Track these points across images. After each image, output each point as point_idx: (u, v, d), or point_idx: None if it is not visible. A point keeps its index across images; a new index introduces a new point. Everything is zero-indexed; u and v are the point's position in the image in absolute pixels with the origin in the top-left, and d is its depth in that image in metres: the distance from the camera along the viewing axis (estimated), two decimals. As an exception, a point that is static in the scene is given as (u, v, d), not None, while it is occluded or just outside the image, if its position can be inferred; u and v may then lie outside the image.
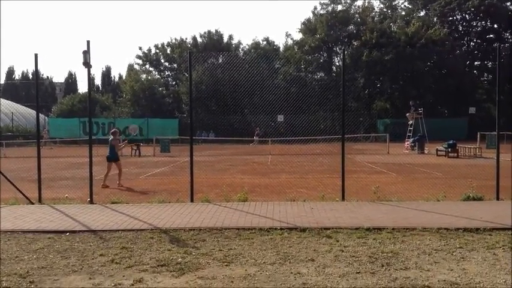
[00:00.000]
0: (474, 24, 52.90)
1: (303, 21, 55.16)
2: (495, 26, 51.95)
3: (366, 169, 17.18)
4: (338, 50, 50.84)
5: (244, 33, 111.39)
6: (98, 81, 76.02)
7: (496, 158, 9.94)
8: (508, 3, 51.32)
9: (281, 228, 7.24)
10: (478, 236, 6.70)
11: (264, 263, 5.58)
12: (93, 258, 5.86)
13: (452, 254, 5.84)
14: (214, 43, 54.18)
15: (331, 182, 12.64)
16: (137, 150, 26.73)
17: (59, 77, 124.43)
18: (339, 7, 52.28)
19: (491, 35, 52.23)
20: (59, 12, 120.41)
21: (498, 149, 10.01)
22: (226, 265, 5.51)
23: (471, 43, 53.83)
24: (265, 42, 54.68)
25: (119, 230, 7.31)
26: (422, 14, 54.16)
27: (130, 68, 59.44)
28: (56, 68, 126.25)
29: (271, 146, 28.54)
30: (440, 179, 14.16)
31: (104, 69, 76.83)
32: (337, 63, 52.12)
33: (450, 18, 52.56)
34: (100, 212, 8.84)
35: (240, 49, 55.63)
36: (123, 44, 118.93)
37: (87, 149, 10.06)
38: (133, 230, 7.29)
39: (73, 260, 5.81)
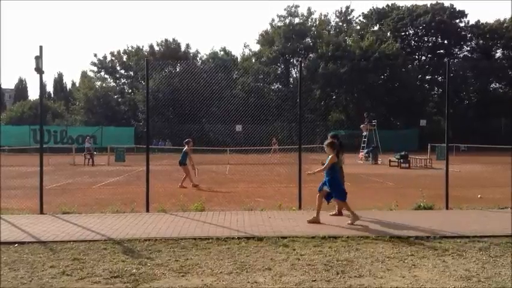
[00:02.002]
0: (425, 39, 55.16)
1: (260, 32, 55.79)
2: (445, 41, 54.33)
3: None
4: (295, 62, 51.59)
5: (201, 42, 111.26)
6: (49, 87, 73.56)
7: (445, 168, 10.32)
8: (457, 21, 53.86)
9: (238, 238, 7.21)
10: (429, 244, 6.92)
11: (220, 272, 5.54)
12: (43, 270, 5.63)
13: (404, 262, 6.00)
14: (171, 52, 53.74)
15: (288, 191, 12.77)
16: (90, 159, 26.02)
17: (9, 83, 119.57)
18: (296, 20, 53.20)
19: (441, 50, 54.57)
20: (9, 16, 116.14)
21: (447, 160, 10.40)
22: (183, 276, 5.44)
23: (422, 58, 56.07)
24: (222, 52, 54.78)
25: (70, 241, 7.06)
26: (376, 28, 55.92)
27: (84, 74, 58.02)
28: (5, 74, 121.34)
29: (229, 156, 28.49)
30: (392, 188, 14.57)
31: (56, 75, 74.51)
32: (294, 75, 52.88)
33: (403, 33, 54.59)
34: (50, 222, 8.52)
35: (197, 58, 55.50)
36: (76, 50, 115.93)
37: (38, 157, 9.70)
38: (86, 241, 7.07)
39: (22, 272, 5.56)
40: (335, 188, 8.57)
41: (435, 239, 7.17)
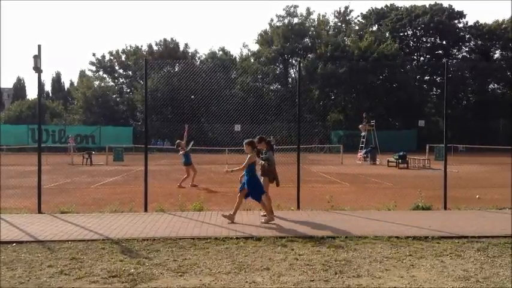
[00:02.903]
0: (424, 40, 55.20)
1: (259, 32, 55.82)
2: (444, 42, 54.38)
3: (320, 179, 17.46)
4: (294, 62, 51.60)
5: (200, 42, 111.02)
6: (48, 87, 73.35)
7: (443, 169, 10.34)
8: (456, 21, 53.92)
9: (237, 238, 7.21)
10: (427, 244, 6.92)
11: (219, 272, 5.54)
12: (41, 270, 5.62)
13: (402, 262, 6.01)
14: (170, 51, 53.69)
15: (287, 191, 12.74)
16: (89, 159, 25.97)
17: (7, 82, 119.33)
18: (295, 20, 53.22)
19: (440, 51, 54.61)
20: (8, 15, 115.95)
21: (445, 160, 10.42)
22: (181, 275, 5.43)
23: (421, 58, 56.11)
24: (221, 52, 54.76)
25: (68, 241, 7.05)
26: (374, 29, 55.95)
27: (83, 74, 57.90)
28: (4, 73, 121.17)
29: (228, 156, 28.47)
30: (391, 189, 14.58)
31: (54, 75, 74.31)
32: (293, 75, 52.92)
33: (401, 34, 54.61)
34: (49, 221, 8.50)
35: (196, 58, 55.45)
36: (73, 49, 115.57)
37: (36, 157, 9.68)
38: (84, 241, 7.06)
39: (20, 272, 5.55)
40: (253, 188, 8.52)
41: (433, 240, 7.18)
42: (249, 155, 8.62)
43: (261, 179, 8.97)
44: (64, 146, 36.81)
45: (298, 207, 9.86)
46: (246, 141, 8.82)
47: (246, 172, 8.65)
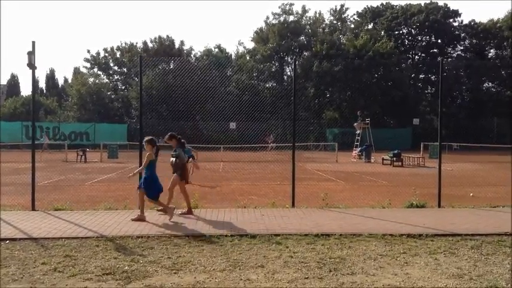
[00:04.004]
0: (419, 38, 55.31)
1: (255, 30, 55.72)
2: (439, 41, 54.49)
3: (315, 177, 17.48)
4: (289, 60, 51.56)
5: (195, 39, 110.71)
6: (42, 84, 72.96)
7: (438, 167, 10.37)
8: (451, 20, 54.07)
9: (231, 235, 7.21)
10: (421, 242, 6.95)
11: (213, 270, 5.54)
12: (34, 267, 5.60)
13: (396, 259, 6.03)
14: (165, 48, 53.47)
15: (282, 189, 12.77)
16: (83, 156, 25.86)
17: (1, 79, 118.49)
18: (291, 18, 53.18)
19: (435, 50, 54.73)
20: (2, 11, 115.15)
21: (440, 158, 10.45)
22: (175, 273, 5.42)
23: (416, 57, 56.22)
24: (217, 50, 54.65)
25: (62, 238, 7.03)
26: (370, 27, 56.00)
27: (77, 71, 57.62)
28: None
29: (223, 153, 28.45)
30: (385, 187, 14.62)
31: (48, 71, 73.88)
32: (289, 73, 52.87)
33: (396, 32, 54.68)
34: (42, 219, 8.47)
35: (191, 55, 55.29)
36: (67, 46, 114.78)
37: (30, 154, 9.63)
38: (78, 238, 7.03)
39: (13, 269, 5.53)
40: (148, 186, 8.47)
41: (427, 237, 7.21)
42: (148, 153, 8.56)
43: (173, 176, 9.06)
44: (58, 144, 36.62)
45: (293, 205, 9.86)
46: (146, 139, 8.76)
47: (145, 170, 8.59)
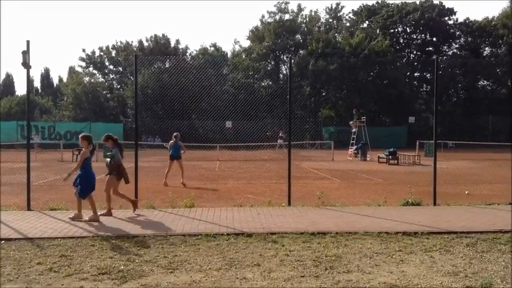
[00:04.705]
0: (414, 37, 55.38)
1: (251, 28, 55.67)
2: (434, 39, 54.56)
3: (311, 175, 17.50)
4: (285, 59, 51.57)
5: (191, 38, 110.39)
6: (37, 83, 72.73)
7: (433, 165, 10.41)
8: (446, 18, 54.20)
9: (228, 234, 7.21)
10: (416, 240, 6.97)
11: (209, 269, 5.54)
12: (30, 267, 5.58)
13: (392, 257, 6.05)
14: (160, 47, 53.38)
15: (278, 187, 12.78)
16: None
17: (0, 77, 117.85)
18: (286, 16, 53.16)
19: (430, 48, 54.81)
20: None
21: (435, 156, 10.49)
22: (171, 272, 5.42)
23: (411, 55, 56.30)
24: (212, 48, 54.59)
25: (57, 238, 7.01)
26: (365, 25, 56.06)
27: (72, 70, 57.41)
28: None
29: (219, 152, 28.44)
30: (381, 185, 14.66)
31: (43, 71, 73.63)
32: (284, 72, 52.85)
33: (392, 30, 54.74)
34: (38, 218, 8.44)
35: (187, 54, 55.21)
36: (63, 45, 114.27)
37: (25, 153, 9.60)
38: (73, 238, 7.02)
39: (9, 269, 5.51)
40: (81, 184, 8.33)
41: (423, 235, 7.24)
42: (82, 151, 8.50)
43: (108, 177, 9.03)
44: (53, 143, 36.49)
45: (289, 204, 9.87)
46: (81, 135, 8.72)
47: (80, 168, 8.49)
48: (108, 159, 9.06)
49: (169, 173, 14.83)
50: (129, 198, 9.18)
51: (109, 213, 8.79)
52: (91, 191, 8.49)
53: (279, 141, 34.71)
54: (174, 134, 15.38)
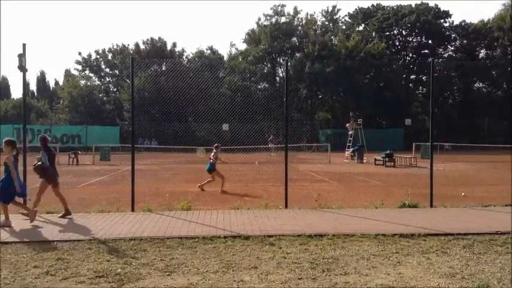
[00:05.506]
0: (410, 39, 55.59)
1: (247, 31, 55.75)
2: (430, 41, 54.79)
3: (308, 178, 17.51)
4: (281, 61, 51.64)
5: (188, 41, 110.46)
6: (33, 86, 72.63)
7: (429, 167, 10.44)
8: (442, 21, 54.44)
9: (225, 237, 7.20)
10: (413, 242, 6.98)
11: (206, 271, 5.53)
12: (26, 271, 5.56)
13: (389, 259, 6.05)
14: (157, 50, 53.43)
15: (275, 190, 12.78)
16: (75, 159, 25.72)
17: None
18: (283, 19, 53.26)
19: (426, 50, 55.02)
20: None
21: (432, 159, 10.52)
22: (168, 275, 5.41)
23: (407, 57, 56.48)
24: (209, 51, 54.63)
25: (54, 241, 6.98)
26: (361, 28, 56.22)
27: (68, 73, 57.31)
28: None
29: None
30: (378, 187, 14.68)
31: (39, 74, 73.55)
32: (281, 74, 52.93)
33: (388, 33, 54.92)
34: (34, 222, 8.40)
35: (184, 57, 55.25)
36: (59, 48, 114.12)
37: (21, 157, 9.56)
38: (70, 241, 6.99)
39: (5, 273, 5.48)
40: (2, 188, 8.15)
41: (420, 237, 7.25)
42: (5, 156, 8.33)
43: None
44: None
45: (286, 206, 9.88)
46: (5, 139, 8.52)
47: (4, 172, 8.31)
48: (36, 162, 9.08)
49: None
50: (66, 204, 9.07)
51: (68, 213, 8.92)
52: (13, 196, 8.29)
53: (270, 144, 34.78)
54: (215, 145, 14.85)
